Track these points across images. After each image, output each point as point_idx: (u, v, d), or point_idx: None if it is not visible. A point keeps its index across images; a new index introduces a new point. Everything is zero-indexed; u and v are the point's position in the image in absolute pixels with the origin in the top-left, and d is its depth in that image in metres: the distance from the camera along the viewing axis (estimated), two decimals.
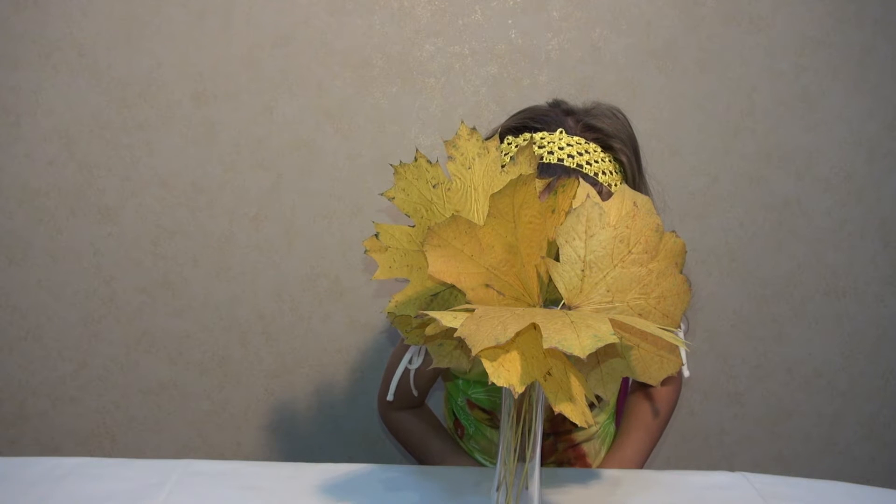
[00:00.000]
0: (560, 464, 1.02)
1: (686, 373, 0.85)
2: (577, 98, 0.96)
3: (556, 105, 0.93)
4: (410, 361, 0.87)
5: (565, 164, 0.82)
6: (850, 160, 1.37)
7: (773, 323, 1.43)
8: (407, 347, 0.95)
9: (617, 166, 0.87)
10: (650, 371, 0.63)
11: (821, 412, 1.47)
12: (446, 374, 1.05)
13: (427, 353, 0.84)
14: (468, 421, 1.03)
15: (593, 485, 0.81)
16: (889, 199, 1.39)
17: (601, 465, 1.03)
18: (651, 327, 0.54)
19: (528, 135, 0.85)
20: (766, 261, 1.40)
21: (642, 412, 1.05)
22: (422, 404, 1.07)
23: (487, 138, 0.65)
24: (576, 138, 0.85)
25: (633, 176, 0.88)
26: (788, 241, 1.39)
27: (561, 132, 0.85)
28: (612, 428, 1.07)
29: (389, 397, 0.89)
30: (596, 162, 0.84)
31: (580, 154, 0.83)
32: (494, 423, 1.01)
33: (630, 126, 0.92)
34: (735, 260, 1.40)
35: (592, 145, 0.85)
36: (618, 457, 1.01)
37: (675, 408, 1.09)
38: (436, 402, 1.21)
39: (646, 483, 0.82)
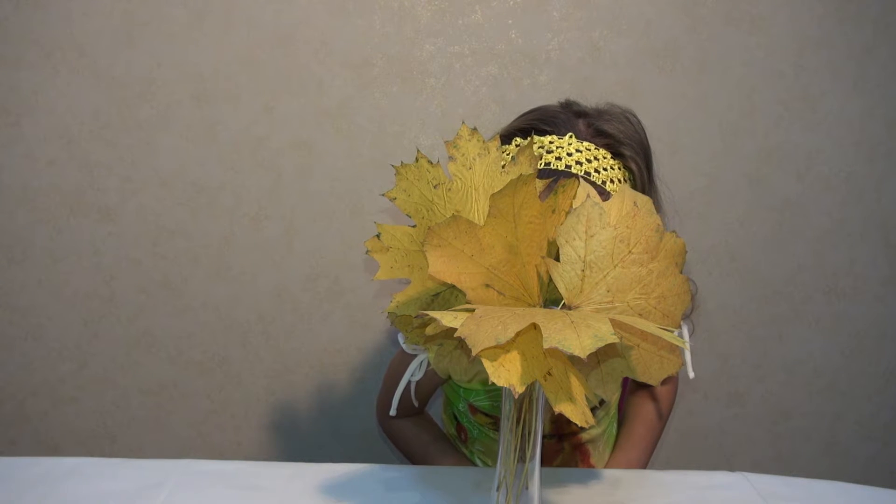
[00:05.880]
0: (565, 464, 1.02)
1: (691, 374, 0.85)
2: (578, 98, 0.96)
3: (568, 106, 0.91)
4: (413, 375, 0.87)
5: (573, 170, 0.80)
6: (850, 160, 1.37)
7: (773, 323, 1.43)
8: (406, 358, 0.95)
9: (626, 174, 0.85)
10: (650, 371, 0.63)
11: (821, 412, 1.47)
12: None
13: (429, 364, 0.83)
14: (471, 425, 1.03)
15: (593, 485, 0.81)
16: (889, 199, 1.39)
17: (607, 467, 1.03)
18: (651, 327, 0.54)
19: (536, 138, 0.83)
20: (766, 261, 1.40)
21: (645, 413, 1.05)
22: (422, 412, 1.07)
23: (493, 137, 0.65)
24: (585, 144, 0.83)
25: (644, 184, 0.86)
26: (788, 241, 1.39)
27: (571, 136, 0.83)
28: (615, 428, 1.07)
29: (392, 412, 0.89)
30: (605, 170, 0.82)
31: (589, 161, 0.81)
32: (498, 427, 1.01)
33: (643, 131, 0.90)
34: (735, 260, 1.40)
35: (602, 152, 0.83)
36: (623, 458, 1.01)
37: (674, 405, 1.09)
38: (434, 408, 1.21)
39: (646, 483, 0.82)
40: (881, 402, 1.47)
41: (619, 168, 0.84)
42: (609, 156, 0.84)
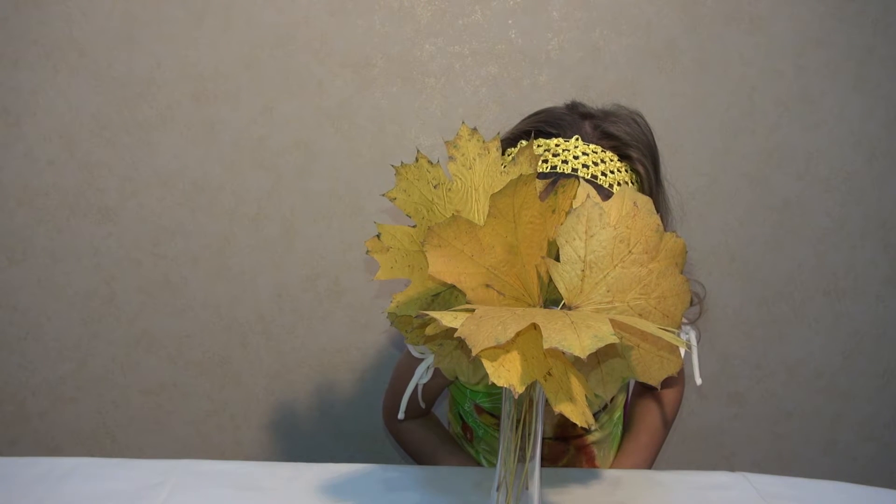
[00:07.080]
0: (570, 466, 1.02)
1: (698, 380, 0.84)
2: (580, 98, 0.95)
3: (574, 108, 0.90)
4: (420, 379, 0.87)
5: (579, 174, 0.79)
6: (850, 160, 1.37)
7: (773, 323, 1.43)
8: (413, 362, 0.95)
9: (633, 176, 0.84)
10: (650, 371, 0.63)
11: (821, 412, 1.47)
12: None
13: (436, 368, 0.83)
14: (476, 425, 1.03)
15: (593, 485, 0.81)
16: (889, 199, 1.39)
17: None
18: (651, 327, 0.54)
19: (542, 140, 0.83)
20: (766, 261, 1.40)
21: (650, 416, 1.05)
22: (428, 413, 1.07)
23: (494, 137, 0.64)
24: (592, 146, 0.82)
25: (651, 186, 0.85)
26: (788, 241, 1.39)
27: (577, 139, 0.82)
28: (620, 431, 1.07)
29: (400, 416, 0.89)
30: (612, 172, 0.81)
31: (595, 164, 0.81)
32: None
33: (650, 132, 0.89)
34: (735, 260, 1.40)
35: (609, 154, 0.82)
36: (627, 463, 1.01)
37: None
38: (440, 407, 1.21)
39: (646, 483, 0.82)
40: (881, 402, 1.47)
41: (626, 171, 0.83)
42: (616, 158, 0.83)
